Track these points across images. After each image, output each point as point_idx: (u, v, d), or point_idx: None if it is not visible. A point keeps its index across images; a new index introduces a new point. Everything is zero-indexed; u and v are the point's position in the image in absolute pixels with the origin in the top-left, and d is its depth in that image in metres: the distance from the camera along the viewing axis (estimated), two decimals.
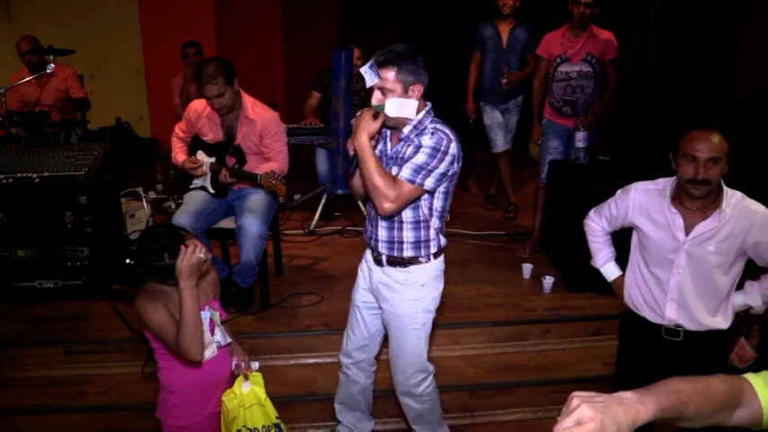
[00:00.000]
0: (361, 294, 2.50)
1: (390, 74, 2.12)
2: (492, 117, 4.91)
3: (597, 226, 2.48)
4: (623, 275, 2.44)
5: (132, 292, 3.31)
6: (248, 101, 3.33)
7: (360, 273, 2.51)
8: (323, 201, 4.73)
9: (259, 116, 3.29)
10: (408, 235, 2.28)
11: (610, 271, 2.51)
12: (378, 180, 2.12)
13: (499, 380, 3.23)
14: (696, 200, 2.11)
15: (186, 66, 5.26)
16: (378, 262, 2.37)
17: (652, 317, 2.28)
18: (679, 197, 2.17)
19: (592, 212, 2.51)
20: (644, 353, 2.35)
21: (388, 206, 2.14)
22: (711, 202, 2.12)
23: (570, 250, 3.80)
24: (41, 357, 3.22)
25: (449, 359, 3.27)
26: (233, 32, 6.59)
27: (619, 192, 2.37)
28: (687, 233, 2.14)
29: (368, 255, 2.46)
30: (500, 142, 4.94)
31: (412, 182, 2.12)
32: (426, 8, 7.03)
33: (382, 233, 2.32)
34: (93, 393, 3.06)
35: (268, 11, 6.91)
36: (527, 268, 3.95)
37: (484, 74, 4.84)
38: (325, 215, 4.83)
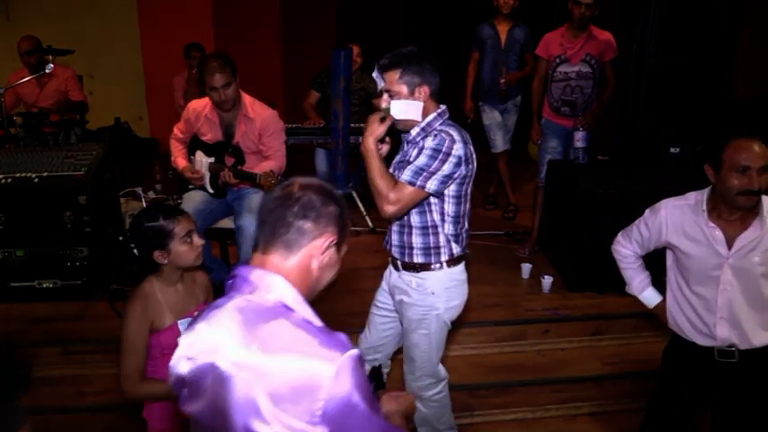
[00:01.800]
0: (381, 294, 2.52)
1: (395, 76, 2.14)
2: (491, 117, 4.90)
3: (628, 251, 2.33)
4: (664, 300, 2.30)
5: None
6: (247, 99, 3.33)
7: (385, 274, 2.52)
8: None
9: (258, 114, 3.30)
10: (417, 240, 2.26)
11: (650, 297, 2.36)
12: (379, 182, 2.13)
13: (498, 379, 3.23)
14: (740, 211, 2.01)
15: (189, 68, 5.26)
16: (395, 266, 2.39)
17: (701, 340, 2.15)
18: (716, 210, 2.06)
19: (620, 237, 2.37)
20: (695, 377, 2.21)
21: (388, 208, 2.14)
22: (750, 210, 2.02)
23: (569, 250, 3.80)
24: (41, 357, 3.21)
25: (448, 359, 3.26)
26: (232, 32, 6.58)
27: (647, 212, 2.24)
28: (729, 246, 2.04)
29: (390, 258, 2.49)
30: (499, 142, 4.94)
31: (412, 184, 2.11)
32: (426, 8, 7.03)
33: (394, 237, 2.34)
34: (91, 393, 3.05)
35: (267, 11, 6.90)
36: (526, 268, 3.95)
37: (482, 74, 4.84)
38: None
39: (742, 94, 4.47)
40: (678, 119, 3.55)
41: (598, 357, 3.34)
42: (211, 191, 3.40)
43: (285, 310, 1.20)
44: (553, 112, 4.23)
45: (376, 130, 2.15)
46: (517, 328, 3.48)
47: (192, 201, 3.35)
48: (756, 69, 5.19)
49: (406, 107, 2.14)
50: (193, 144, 3.44)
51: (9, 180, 3.46)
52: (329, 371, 1.09)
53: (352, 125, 4.57)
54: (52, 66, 4.12)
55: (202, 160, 3.39)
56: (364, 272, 4.00)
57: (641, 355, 3.29)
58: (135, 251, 1.93)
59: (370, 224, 4.68)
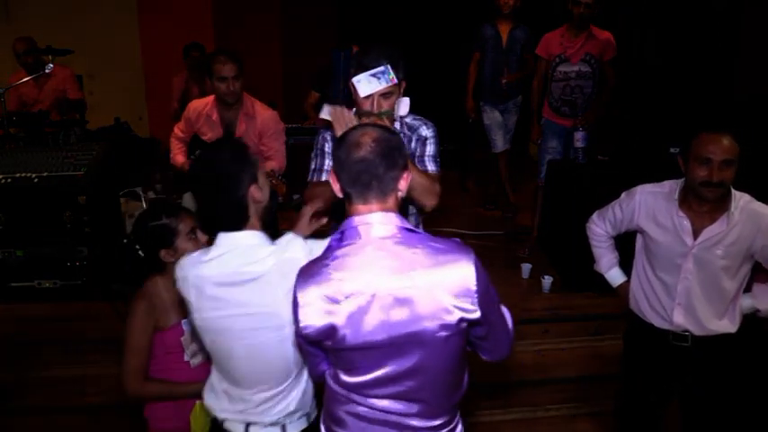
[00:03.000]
0: None
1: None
2: (491, 117, 4.90)
3: (601, 230, 2.42)
4: (628, 281, 2.39)
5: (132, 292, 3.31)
6: (248, 99, 3.35)
7: None
8: None
9: (258, 114, 3.31)
10: (412, 220, 2.31)
11: (614, 276, 2.47)
12: (423, 180, 2.12)
13: (498, 380, 3.23)
14: (707, 203, 2.07)
15: (188, 68, 5.26)
16: None
17: (659, 322, 2.24)
18: (687, 201, 2.13)
19: (595, 216, 2.46)
20: (652, 359, 2.30)
21: (434, 201, 2.17)
22: (720, 205, 2.08)
23: (569, 250, 3.80)
24: (40, 357, 3.22)
25: None
26: (231, 32, 6.58)
27: (623, 194, 2.33)
28: (695, 237, 2.10)
29: None
30: (499, 142, 4.94)
31: (438, 171, 2.24)
32: (426, 8, 7.03)
33: None
34: (92, 393, 3.06)
35: (267, 11, 6.91)
36: (526, 268, 3.95)
37: (483, 74, 4.84)
38: None
39: (742, 94, 4.47)
40: (678, 119, 3.56)
41: (598, 357, 3.34)
42: None
43: (413, 234, 1.44)
44: (553, 112, 4.23)
45: None
46: (517, 328, 3.41)
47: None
48: (756, 69, 5.19)
49: (403, 105, 2.18)
50: (194, 144, 3.44)
51: (9, 180, 3.46)
52: (471, 267, 1.41)
53: None
54: (52, 66, 4.11)
55: None
56: None
57: None
58: (140, 252, 1.94)
59: None
